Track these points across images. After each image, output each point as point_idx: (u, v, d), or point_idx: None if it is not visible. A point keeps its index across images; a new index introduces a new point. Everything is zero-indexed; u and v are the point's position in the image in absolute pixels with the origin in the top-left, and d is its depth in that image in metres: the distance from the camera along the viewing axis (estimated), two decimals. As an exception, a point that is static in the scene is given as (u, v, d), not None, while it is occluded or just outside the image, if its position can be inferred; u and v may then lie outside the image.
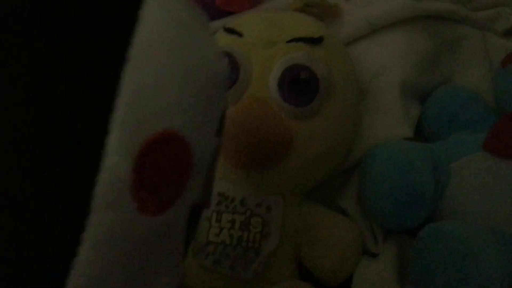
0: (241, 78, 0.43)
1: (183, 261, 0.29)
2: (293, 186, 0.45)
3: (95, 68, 0.22)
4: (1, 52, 0.21)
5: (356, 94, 0.47)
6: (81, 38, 0.22)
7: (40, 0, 0.22)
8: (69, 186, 0.22)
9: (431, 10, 0.53)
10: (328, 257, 0.45)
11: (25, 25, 0.21)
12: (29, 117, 0.21)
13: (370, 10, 0.52)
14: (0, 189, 0.21)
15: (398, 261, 0.45)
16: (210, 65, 0.26)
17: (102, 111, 0.22)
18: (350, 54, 0.49)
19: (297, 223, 0.45)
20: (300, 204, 0.46)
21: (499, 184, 0.43)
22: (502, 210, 0.42)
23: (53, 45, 0.21)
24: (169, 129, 0.23)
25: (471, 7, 0.57)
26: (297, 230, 0.45)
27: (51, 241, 0.22)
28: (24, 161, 0.21)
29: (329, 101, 0.43)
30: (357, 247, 0.46)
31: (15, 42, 0.21)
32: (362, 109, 0.49)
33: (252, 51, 0.44)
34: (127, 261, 0.24)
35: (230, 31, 0.46)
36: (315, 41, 0.44)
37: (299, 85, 0.42)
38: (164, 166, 0.23)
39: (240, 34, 0.45)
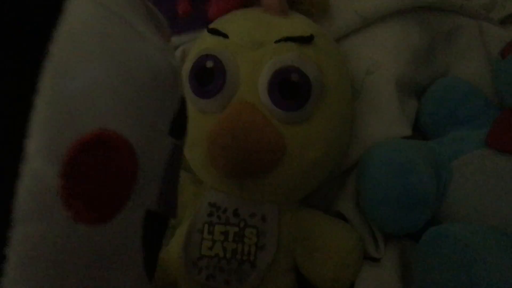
0: (228, 83, 0.41)
1: (148, 282, 0.27)
2: (288, 194, 0.44)
3: (9, 63, 0.20)
4: None
5: (350, 94, 0.46)
6: None
7: None
8: None
9: (424, 1, 0.51)
10: (327, 266, 0.43)
11: None
12: None
13: (360, 3, 0.50)
14: None
15: (400, 266, 0.44)
16: (152, 61, 0.24)
17: (17, 111, 0.20)
18: (341, 50, 0.47)
19: (294, 232, 0.44)
20: (296, 211, 0.45)
21: (503, 181, 0.42)
22: (508, 208, 0.41)
23: None
24: (104, 129, 0.21)
25: (465, -5, 0.55)
26: (294, 239, 0.44)
27: None
28: None
29: (322, 104, 0.41)
30: (358, 254, 0.44)
31: None
32: (356, 108, 0.47)
33: (239, 53, 0.42)
34: (67, 278, 0.22)
35: (214, 32, 0.43)
36: (305, 40, 0.41)
37: (290, 88, 0.40)
38: (100, 170, 0.21)
39: (225, 36, 0.43)
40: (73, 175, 0.21)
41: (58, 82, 0.21)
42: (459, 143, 0.46)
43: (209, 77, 0.41)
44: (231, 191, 0.43)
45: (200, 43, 0.44)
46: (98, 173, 0.21)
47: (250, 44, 0.42)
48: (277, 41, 0.41)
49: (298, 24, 0.44)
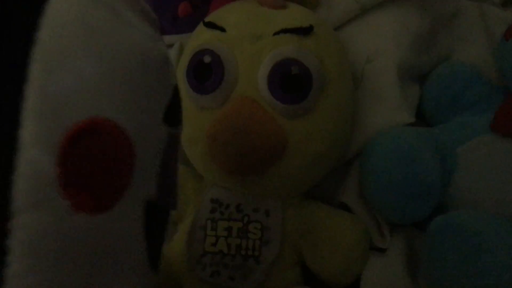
0: (227, 78, 0.40)
1: (152, 273, 0.27)
2: (292, 188, 0.43)
3: None
4: None
5: (351, 84, 0.45)
6: None
7: None
8: None
9: None
10: (334, 259, 0.43)
11: None
12: None
13: None
14: None
15: (406, 255, 0.43)
16: (141, 47, 0.24)
17: (9, 101, 0.20)
18: (341, 39, 0.46)
19: (298, 226, 0.43)
20: (300, 205, 0.44)
21: (510, 167, 0.41)
22: (515, 194, 0.40)
23: None
24: (97, 116, 0.21)
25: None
26: (298, 233, 0.43)
27: None
28: None
29: (324, 95, 0.41)
30: (364, 246, 0.44)
31: None
32: (357, 97, 0.47)
33: (237, 47, 0.41)
34: (71, 267, 0.22)
35: (210, 25, 0.42)
36: (304, 31, 0.40)
37: (291, 81, 0.39)
38: (96, 158, 0.21)
39: (222, 29, 0.42)
40: (70, 163, 0.21)
41: (48, 70, 0.21)
42: (464, 129, 0.45)
43: (207, 72, 0.40)
44: (233, 187, 0.43)
45: (197, 37, 0.43)
46: (94, 161, 0.21)
47: (248, 37, 0.41)
48: (275, 33, 0.40)
49: (296, 15, 0.43)
